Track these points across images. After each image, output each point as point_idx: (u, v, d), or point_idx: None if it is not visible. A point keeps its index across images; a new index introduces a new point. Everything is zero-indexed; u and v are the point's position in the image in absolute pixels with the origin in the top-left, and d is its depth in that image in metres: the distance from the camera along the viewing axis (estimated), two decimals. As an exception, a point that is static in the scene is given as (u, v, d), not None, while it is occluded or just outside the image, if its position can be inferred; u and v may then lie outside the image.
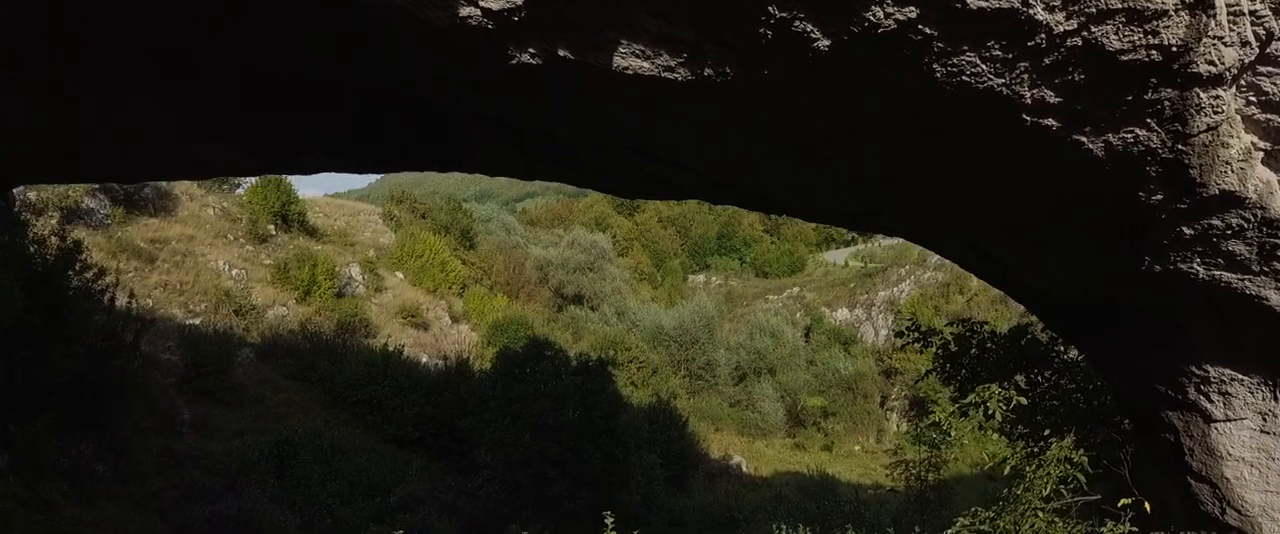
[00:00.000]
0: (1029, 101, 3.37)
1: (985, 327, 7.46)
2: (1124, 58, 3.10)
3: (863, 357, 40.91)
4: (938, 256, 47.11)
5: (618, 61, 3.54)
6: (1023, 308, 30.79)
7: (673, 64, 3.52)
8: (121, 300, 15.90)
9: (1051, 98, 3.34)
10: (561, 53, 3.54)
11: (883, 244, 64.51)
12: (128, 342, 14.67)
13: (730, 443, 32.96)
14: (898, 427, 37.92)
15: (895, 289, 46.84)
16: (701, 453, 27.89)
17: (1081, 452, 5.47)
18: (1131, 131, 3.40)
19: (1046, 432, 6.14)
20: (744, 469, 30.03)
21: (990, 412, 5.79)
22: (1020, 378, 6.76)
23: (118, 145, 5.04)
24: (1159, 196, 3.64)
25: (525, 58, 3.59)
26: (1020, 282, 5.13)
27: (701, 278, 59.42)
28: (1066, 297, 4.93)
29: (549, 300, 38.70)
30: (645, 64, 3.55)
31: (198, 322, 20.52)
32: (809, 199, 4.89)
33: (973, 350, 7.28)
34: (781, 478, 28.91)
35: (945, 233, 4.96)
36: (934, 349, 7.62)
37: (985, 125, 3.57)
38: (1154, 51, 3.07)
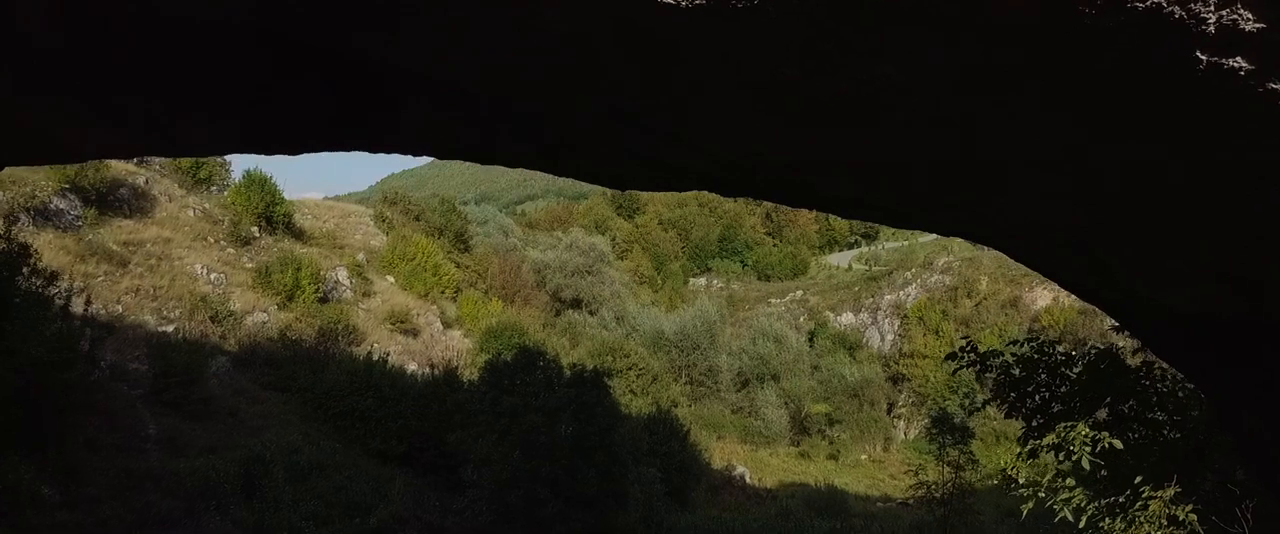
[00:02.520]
0: (1212, 30, 2.24)
1: (1056, 347, 6.24)
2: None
3: (869, 362, 39.75)
4: (944, 259, 46.21)
5: (594, -22, 2.41)
6: (1034, 312, 29.62)
7: (675, -20, 2.39)
8: (81, 307, 14.81)
9: (1249, 23, 2.20)
10: (512, -34, 2.41)
11: (887, 247, 63.43)
12: (83, 351, 13.57)
13: (733, 452, 31.87)
14: (905, 435, 36.80)
15: (901, 293, 45.64)
16: (703, 464, 26.73)
17: (1189, 507, 4.37)
18: (1365, 76, 2.27)
19: (1137, 479, 4.97)
20: (748, 480, 28.91)
21: (1073, 455, 4.66)
22: (1101, 411, 5.55)
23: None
24: (1381, 176, 2.53)
25: (460, -26, 2.46)
26: (1128, 292, 4.02)
27: (702, 281, 58.26)
28: (1193, 313, 3.81)
29: (546, 305, 37.57)
30: (635, -19, 2.42)
31: (171, 329, 19.40)
32: (861, 187, 3.74)
33: (1041, 375, 6.08)
34: (787, 490, 27.80)
35: (1035, 232, 3.83)
36: (994, 374, 6.41)
37: (1135, 70, 2.43)
38: None
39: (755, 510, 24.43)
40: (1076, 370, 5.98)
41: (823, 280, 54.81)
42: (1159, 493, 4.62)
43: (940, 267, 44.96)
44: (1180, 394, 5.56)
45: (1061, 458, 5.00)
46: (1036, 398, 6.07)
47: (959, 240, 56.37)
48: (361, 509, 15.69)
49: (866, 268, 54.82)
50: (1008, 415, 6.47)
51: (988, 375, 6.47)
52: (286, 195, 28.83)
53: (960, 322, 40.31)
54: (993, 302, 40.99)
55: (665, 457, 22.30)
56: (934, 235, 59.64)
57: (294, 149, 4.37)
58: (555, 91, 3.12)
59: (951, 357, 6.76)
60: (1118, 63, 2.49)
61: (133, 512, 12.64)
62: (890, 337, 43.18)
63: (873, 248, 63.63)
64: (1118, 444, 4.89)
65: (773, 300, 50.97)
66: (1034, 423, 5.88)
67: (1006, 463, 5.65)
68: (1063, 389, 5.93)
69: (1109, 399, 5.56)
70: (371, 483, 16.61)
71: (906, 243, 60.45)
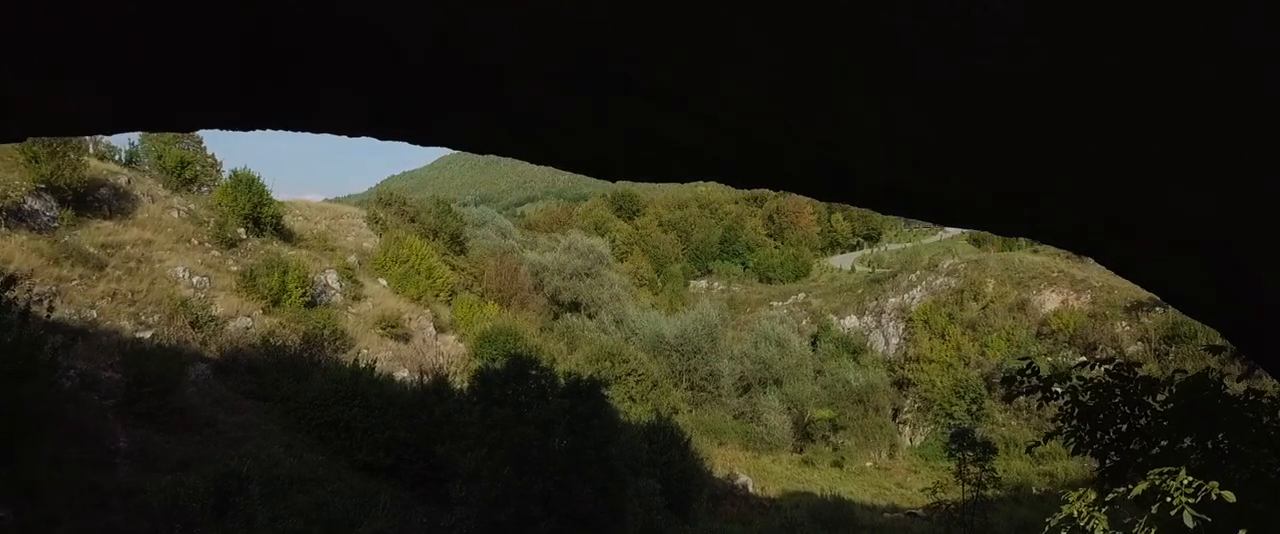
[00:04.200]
0: None
1: (1136, 371, 5.34)
2: None
3: (873, 367, 38.83)
4: (949, 261, 45.36)
5: None
6: (1042, 315, 28.74)
7: None
8: (45, 312, 14.00)
9: None
10: None
11: (889, 248, 62.56)
12: (47, 359, 12.72)
13: (735, 459, 31.04)
14: (910, 441, 35.93)
15: (905, 296, 44.77)
16: (705, 473, 25.89)
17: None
18: None
19: (1241, 532, 4.13)
20: (750, 489, 28.06)
21: (1172, 507, 3.83)
22: (1192, 453, 4.63)
23: None
24: None
25: None
26: (1262, 309, 3.21)
27: (703, 283, 57.40)
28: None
29: (544, 308, 36.71)
30: None
31: (148, 335, 18.55)
32: (919, 173, 2.90)
33: (1117, 404, 5.17)
34: (791, 499, 26.95)
35: (1139, 230, 3.02)
36: (1061, 401, 5.53)
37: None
38: None
39: (759, 522, 23.62)
40: (1161, 399, 5.08)
41: (825, 282, 53.93)
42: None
43: (945, 269, 44.08)
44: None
45: (1155, 510, 4.13)
46: (1111, 432, 5.15)
47: (963, 241, 55.67)
48: (344, 526, 14.80)
49: (869, 270, 53.99)
50: (1075, 452, 5.56)
51: (1053, 403, 5.57)
52: (281, 197, 28.10)
53: (966, 325, 39.42)
54: (1000, 304, 40.07)
55: (665, 467, 21.49)
56: (938, 236, 58.73)
57: (169, 123, 3.54)
58: (511, 35, 2.30)
59: (1008, 380, 5.84)
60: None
61: (96, 532, 11.82)
62: (895, 340, 42.28)
63: (875, 249, 62.90)
64: (1228, 496, 4.00)
65: (774, 303, 50.08)
66: (1108, 461, 5.00)
67: (1077, 510, 4.80)
68: (1143, 421, 5.01)
69: (1197, 434, 4.65)
70: (355, 498, 15.74)
71: (909, 245, 59.70)
